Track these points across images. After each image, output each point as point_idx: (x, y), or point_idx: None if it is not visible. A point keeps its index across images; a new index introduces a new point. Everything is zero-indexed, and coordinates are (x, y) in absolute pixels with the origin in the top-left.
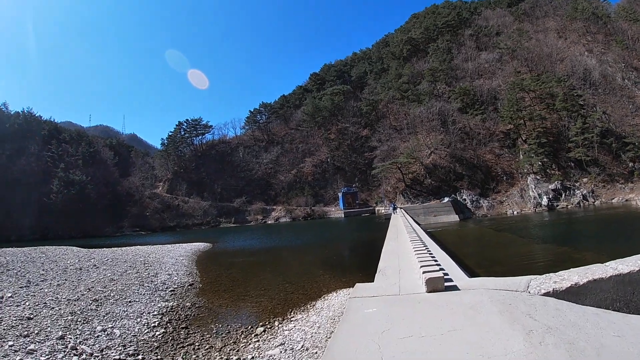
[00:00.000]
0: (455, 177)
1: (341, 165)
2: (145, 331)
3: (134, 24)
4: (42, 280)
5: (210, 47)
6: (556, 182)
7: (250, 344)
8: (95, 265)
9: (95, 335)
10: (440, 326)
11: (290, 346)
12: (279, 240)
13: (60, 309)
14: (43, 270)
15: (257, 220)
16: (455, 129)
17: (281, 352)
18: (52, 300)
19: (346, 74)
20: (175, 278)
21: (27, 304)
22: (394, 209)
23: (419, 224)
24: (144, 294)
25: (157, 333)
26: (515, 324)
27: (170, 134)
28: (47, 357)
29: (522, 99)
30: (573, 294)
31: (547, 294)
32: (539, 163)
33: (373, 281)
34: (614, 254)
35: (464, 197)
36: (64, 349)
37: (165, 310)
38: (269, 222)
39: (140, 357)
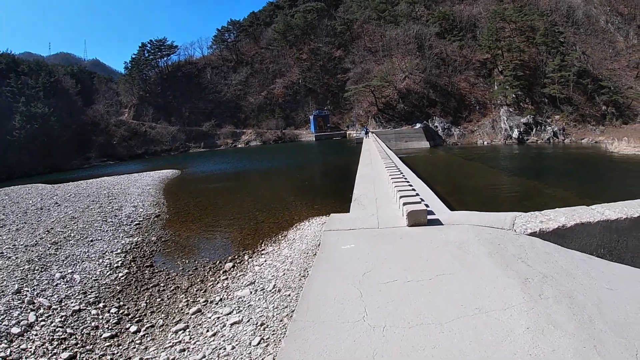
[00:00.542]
0: (428, 103)
1: (313, 87)
2: (108, 273)
3: None
4: (0, 227)
5: None
6: (528, 116)
7: (218, 282)
8: (56, 203)
9: (54, 285)
10: (427, 269)
11: (261, 286)
12: (249, 165)
13: (17, 257)
14: (4, 214)
15: (227, 145)
16: (431, 54)
17: (251, 292)
18: (10, 248)
19: None
20: (141, 210)
21: None
22: (366, 133)
23: (390, 149)
24: (107, 230)
25: (120, 275)
26: (509, 270)
27: (133, 56)
28: (1, 316)
29: (502, 29)
30: (559, 236)
31: (533, 234)
32: (513, 95)
33: (349, 211)
34: (584, 194)
35: (435, 124)
36: (20, 305)
37: (129, 247)
38: (239, 146)
39: (101, 305)
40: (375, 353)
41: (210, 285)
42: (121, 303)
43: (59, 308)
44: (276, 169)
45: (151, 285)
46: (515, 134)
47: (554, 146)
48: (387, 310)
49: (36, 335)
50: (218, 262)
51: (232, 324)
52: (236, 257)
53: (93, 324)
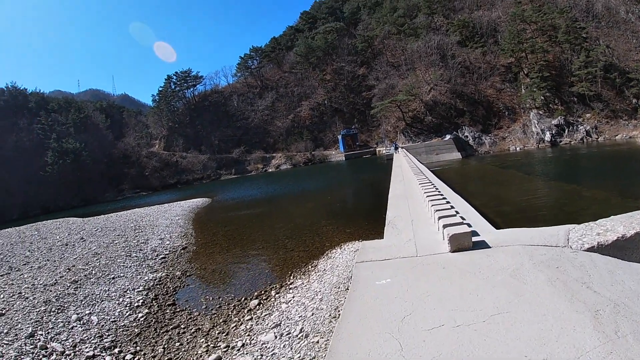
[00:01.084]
0: (456, 113)
1: (339, 106)
2: (127, 314)
3: None
4: (24, 264)
5: None
6: (559, 117)
7: (242, 323)
8: (82, 239)
9: (70, 327)
10: (479, 307)
11: (287, 329)
12: (280, 189)
13: (34, 298)
14: (29, 251)
15: (257, 170)
16: (454, 63)
17: (276, 337)
18: (29, 287)
19: (338, 10)
20: (168, 242)
21: (1, 296)
22: (396, 148)
23: (421, 163)
24: (131, 266)
25: (140, 315)
26: (575, 301)
27: (160, 89)
28: None
29: (524, 31)
30: (620, 249)
31: (591, 249)
32: (542, 98)
33: (382, 236)
34: (627, 193)
35: (465, 134)
36: (32, 350)
37: (152, 283)
38: (270, 170)
39: (117, 350)
40: None
41: (233, 327)
42: (138, 348)
43: (72, 354)
44: (306, 192)
45: (171, 327)
46: (548, 136)
47: (587, 146)
48: None
49: None
50: (243, 298)
51: None
52: (262, 292)
53: None
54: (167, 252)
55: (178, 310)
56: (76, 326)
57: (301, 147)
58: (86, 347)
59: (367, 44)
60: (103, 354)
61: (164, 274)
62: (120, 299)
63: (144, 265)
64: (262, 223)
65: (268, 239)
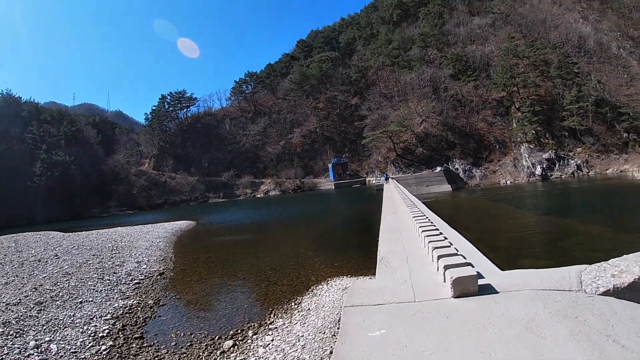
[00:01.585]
0: (447, 145)
1: (330, 135)
2: (90, 345)
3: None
4: None
5: (193, 15)
6: (550, 151)
7: None
8: (56, 255)
9: (26, 355)
10: None
11: None
12: (267, 215)
13: None
14: (0, 264)
15: (246, 195)
16: (447, 96)
17: None
18: None
19: (334, 40)
20: (145, 267)
21: None
22: (386, 179)
23: (412, 195)
24: (102, 290)
25: (104, 347)
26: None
27: (153, 108)
28: None
29: (516, 66)
30: (637, 291)
31: (606, 293)
32: (533, 132)
33: (374, 273)
34: (622, 227)
35: (456, 166)
36: None
37: (122, 311)
38: (258, 195)
39: None
40: None
41: None
42: None
43: None
44: (294, 220)
45: None
46: (538, 170)
47: (578, 180)
48: None
49: None
50: (217, 337)
51: None
52: (239, 331)
53: None
54: (142, 277)
55: (145, 345)
56: (33, 354)
57: (291, 174)
58: None
59: (361, 74)
60: None
61: (135, 302)
62: (85, 327)
63: (115, 290)
64: (246, 251)
65: (251, 269)
